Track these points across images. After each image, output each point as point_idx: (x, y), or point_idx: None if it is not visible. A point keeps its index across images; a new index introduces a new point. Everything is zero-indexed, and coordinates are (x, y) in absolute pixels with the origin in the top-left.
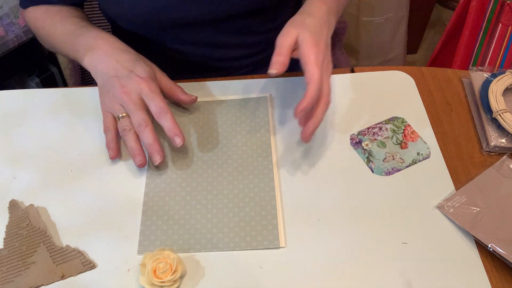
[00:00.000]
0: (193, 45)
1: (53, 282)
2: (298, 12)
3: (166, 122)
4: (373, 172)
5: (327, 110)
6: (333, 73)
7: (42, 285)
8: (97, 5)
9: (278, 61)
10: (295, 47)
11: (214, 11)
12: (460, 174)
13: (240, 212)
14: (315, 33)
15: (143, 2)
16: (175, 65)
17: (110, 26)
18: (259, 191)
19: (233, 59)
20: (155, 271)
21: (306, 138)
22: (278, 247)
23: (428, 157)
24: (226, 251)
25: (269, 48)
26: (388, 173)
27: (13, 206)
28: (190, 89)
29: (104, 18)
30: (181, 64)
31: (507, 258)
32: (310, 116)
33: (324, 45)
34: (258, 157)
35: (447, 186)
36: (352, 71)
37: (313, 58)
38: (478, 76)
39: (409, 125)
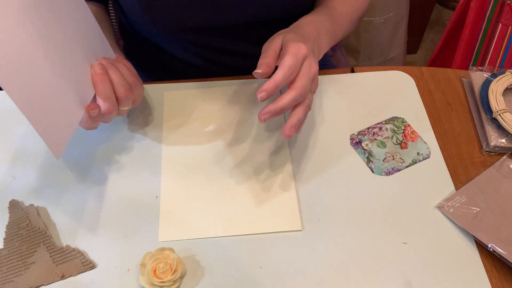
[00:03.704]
0: (204, 49)
1: (53, 282)
2: (286, 29)
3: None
4: (373, 172)
5: (307, 113)
6: (333, 73)
7: (42, 285)
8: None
9: (264, 62)
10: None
11: (228, 18)
12: (460, 174)
13: (258, 196)
14: (301, 36)
15: (157, 3)
16: (183, 68)
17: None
18: (275, 175)
19: (245, 68)
20: (155, 271)
21: (287, 133)
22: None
23: (428, 157)
24: (245, 235)
25: None
26: (388, 173)
27: (13, 206)
28: (196, 86)
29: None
30: (188, 67)
31: (507, 258)
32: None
33: (310, 46)
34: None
35: (447, 186)
36: (352, 71)
37: (294, 50)
38: (478, 76)
39: (409, 125)
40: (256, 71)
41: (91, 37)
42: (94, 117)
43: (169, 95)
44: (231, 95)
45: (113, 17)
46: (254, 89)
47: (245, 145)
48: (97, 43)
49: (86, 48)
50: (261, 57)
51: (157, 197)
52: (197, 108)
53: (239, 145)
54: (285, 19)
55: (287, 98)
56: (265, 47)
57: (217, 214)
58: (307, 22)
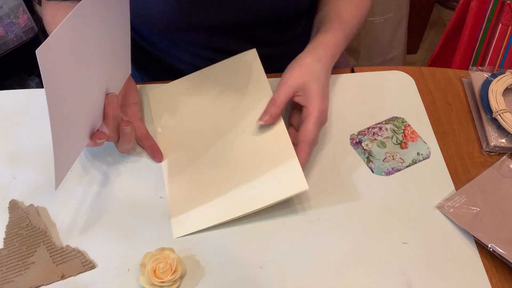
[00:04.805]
0: (201, 48)
1: (53, 282)
2: (306, 51)
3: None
4: (373, 172)
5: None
6: (333, 73)
7: (42, 285)
8: None
9: (270, 112)
10: (298, 93)
11: (224, 17)
12: (460, 174)
13: (260, 170)
14: (324, 85)
15: (154, 3)
16: (182, 67)
17: None
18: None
19: None
20: (155, 271)
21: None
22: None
23: (428, 157)
24: (253, 211)
25: (280, 61)
26: (388, 173)
27: (13, 206)
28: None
29: None
30: (186, 66)
31: (507, 258)
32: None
33: (327, 98)
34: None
35: (447, 186)
36: (352, 71)
37: (317, 114)
38: (478, 76)
39: (409, 125)
40: (259, 122)
41: (120, 61)
42: (97, 144)
43: (154, 93)
44: (221, 82)
45: None
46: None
47: (240, 128)
48: (120, 65)
49: (110, 74)
50: (270, 101)
51: (161, 197)
52: (185, 100)
53: (234, 129)
54: (284, 19)
55: (304, 156)
56: (280, 90)
57: (225, 197)
58: (325, 49)
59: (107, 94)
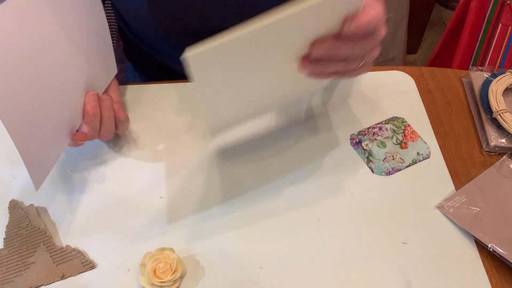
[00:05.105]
0: None
1: (53, 282)
2: None
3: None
4: (373, 172)
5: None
6: None
7: (42, 285)
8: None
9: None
10: None
11: (225, 23)
12: (460, 174)
13: None
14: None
15: (152, 9)
16: (181, 68)
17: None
18: None
19: None
20: (155, 271)
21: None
22: None
23: (428, 157)
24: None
25: None
26: (388, 173)
27: (13, 206)
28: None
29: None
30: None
31: (507, 258)
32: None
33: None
34: None
35: (447, 186)
36: None
37: (374, 12)
38: (478, 76)
39: (409, 125)
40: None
41: (101, 61)
42: (79, 144)
43: None
44: None
45: (112, 17)
46: None
47: None
48: (102, 64)
49: (90, 73)
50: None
51: (161, 197)
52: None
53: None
54: None
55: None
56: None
57: None
58: None
59: (87, 93)
